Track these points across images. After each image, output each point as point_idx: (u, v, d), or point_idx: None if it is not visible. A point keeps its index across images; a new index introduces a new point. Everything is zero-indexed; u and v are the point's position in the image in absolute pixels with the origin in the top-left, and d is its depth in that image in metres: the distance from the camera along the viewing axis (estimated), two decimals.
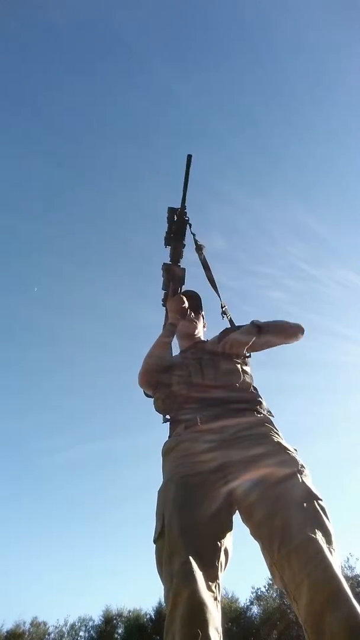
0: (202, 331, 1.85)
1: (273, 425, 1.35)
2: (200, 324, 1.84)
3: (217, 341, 1.61)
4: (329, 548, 0.99)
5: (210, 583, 1.03)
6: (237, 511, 1.20)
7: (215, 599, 1.02)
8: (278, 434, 1.32)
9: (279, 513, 1.07)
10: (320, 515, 1.07)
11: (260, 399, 1.46)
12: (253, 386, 1.51)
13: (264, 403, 1.45)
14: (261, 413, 1.39)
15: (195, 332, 1.80)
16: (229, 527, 1.17)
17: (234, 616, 14.06)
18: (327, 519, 1.07)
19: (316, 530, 1.02)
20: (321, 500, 1.12)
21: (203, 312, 1.89)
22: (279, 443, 1.26)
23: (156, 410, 1.56)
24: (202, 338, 1.82)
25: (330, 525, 1.06)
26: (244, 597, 17.26)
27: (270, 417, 1.40)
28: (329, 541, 1.02)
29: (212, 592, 1.02)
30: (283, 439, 1.31)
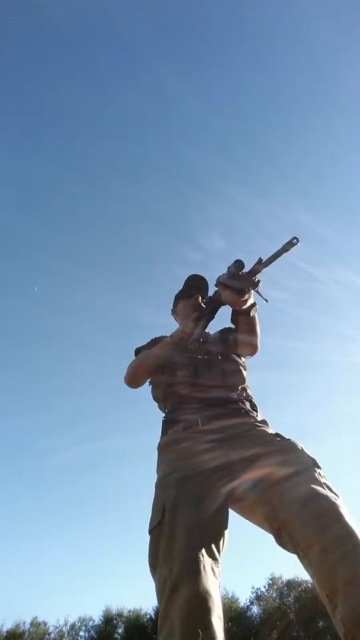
0: None
1: (267, 426, 1.35)
2: None
3: (218, 339, 1.62)
4: (343, 507, 1.03)
5: (212, 579, 1.04)
6: (233, 510, 1.21)
7: (217, 596, 1.03)
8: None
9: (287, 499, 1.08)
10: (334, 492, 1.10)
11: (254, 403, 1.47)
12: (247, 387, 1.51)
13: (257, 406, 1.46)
14: (259, 413, 1.40)
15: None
16: (226, 526, 1.18)
17: (234, 616, 14.06)
18: None
19: (330, 492, 1.07)
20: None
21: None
22: (280, 442, 1.26)
23: (154, 399, 1.56)
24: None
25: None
26: (244, 597, 17.31)
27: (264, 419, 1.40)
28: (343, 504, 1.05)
29: (214, 589, 1.03)
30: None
